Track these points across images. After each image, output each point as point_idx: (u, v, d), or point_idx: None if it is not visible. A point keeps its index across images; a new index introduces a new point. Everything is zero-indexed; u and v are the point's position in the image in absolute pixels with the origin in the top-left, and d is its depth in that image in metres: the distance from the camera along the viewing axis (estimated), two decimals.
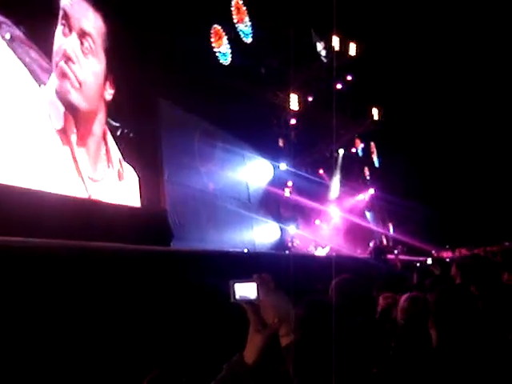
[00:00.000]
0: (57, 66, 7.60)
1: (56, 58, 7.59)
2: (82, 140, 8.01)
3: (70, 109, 7.78)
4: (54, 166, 7.27)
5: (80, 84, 8.00)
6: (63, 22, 7.76)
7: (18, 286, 3.75)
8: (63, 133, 7.57)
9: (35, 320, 3.80)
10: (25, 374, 3.59)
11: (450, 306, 2.30)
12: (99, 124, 8.61)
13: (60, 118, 7.52)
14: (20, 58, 6.86)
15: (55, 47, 7.58)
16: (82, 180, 7.87)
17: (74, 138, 7.75)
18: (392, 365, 2.16)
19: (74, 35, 7.96)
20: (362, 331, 2.22)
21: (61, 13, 7.74)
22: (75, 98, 7.92)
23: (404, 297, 3.37)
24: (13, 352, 3.55)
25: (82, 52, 8.12)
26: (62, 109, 7.58)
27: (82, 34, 8.12)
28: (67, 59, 7.74)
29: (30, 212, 6.16)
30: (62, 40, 7.74)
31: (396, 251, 15.97)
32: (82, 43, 8.10)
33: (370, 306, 3.01)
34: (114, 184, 8.78)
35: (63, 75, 7.70)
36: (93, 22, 8.45)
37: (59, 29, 7.69)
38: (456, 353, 2.10)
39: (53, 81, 7.50)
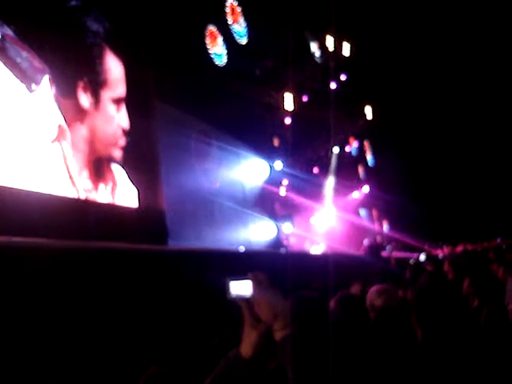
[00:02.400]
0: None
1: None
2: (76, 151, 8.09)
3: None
4: (47, 177, 7.29)
5: None
6: None
7: (15, 286, 3.80)
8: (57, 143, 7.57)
9: (33, 321, 3.85)
10: (23, 374, 3.64)
11: (429, 302, 2.33)
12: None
13: (54, 130, 7.53)
14: (11, 58, 6.86)
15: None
16: (77, 191, 7.89)
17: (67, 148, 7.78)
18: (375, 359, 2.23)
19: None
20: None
21: None
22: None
23: (372, 289, 3.39)
24: (10, 353, 3.60)
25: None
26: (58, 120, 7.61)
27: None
28: None
29: (27, 212, 6.20)
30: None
31: (388, 247, 16.06)
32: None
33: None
34: (111, 190, 8.83)
35: None
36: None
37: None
38: (440, 349, 2.16)
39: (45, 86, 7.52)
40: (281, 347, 1.54)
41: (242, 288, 1.57)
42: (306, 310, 1.89)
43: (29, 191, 6.78)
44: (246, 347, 1.59)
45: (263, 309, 1.57)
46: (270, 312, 1.56)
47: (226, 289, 1.57)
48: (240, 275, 1.58)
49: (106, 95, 8.60)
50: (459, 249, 17.32)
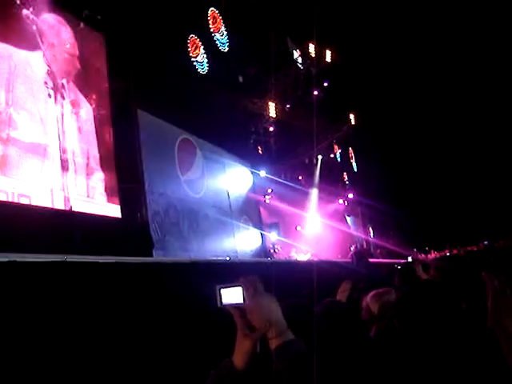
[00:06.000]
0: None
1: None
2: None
3: None
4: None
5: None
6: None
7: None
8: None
9: (17, 335, 3.75)
10: None
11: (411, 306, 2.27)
12: None
13: None
14: None
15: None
16: (65, 194, 7.84)
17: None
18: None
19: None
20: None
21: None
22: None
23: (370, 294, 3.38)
24: None
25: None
26: None
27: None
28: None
29: (9, 225, 6.08)
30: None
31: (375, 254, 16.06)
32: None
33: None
34: (96, 196, 8.75)
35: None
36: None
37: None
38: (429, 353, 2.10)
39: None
40: (276, 356, 1.47)
41: (233, 295, 1.49)
42: (298, 317, 1.82)
43: (13, 203, 6.68)
44: (239, 357, 1.49)
45: (256, 316, 1.47)
46: (263, 319, 1.46)
47: (216, 297, 1.49)
48: (231, 281, 1.51)
49: None
50: (445, 253, 17.41)
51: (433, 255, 18.78)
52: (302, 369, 1.41)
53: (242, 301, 1.48)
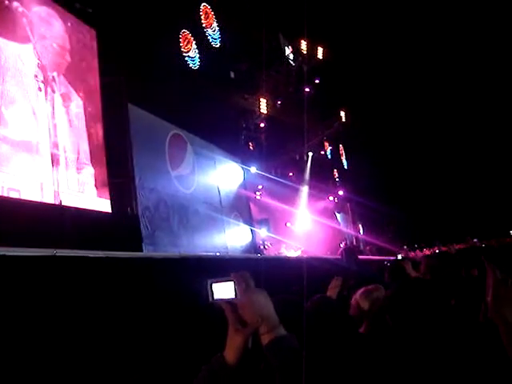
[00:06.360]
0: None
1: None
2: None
3: None
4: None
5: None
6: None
7: None
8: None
9: (5, 330, 3.72)
10: None
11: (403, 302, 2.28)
12: None
13: None
14: None
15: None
16: (55, 188, 7.80)
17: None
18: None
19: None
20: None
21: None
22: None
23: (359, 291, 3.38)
24: None
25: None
26: None
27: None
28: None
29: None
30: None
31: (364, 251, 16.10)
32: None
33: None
34: (87, 191, 8.71)
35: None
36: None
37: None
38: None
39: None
40: (268, 351, 1.46)
41: (224, 290, 1.47)
42: (288, 313, 1.82)
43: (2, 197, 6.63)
44: (231, 352, 1.47)
45: (248, 311, 1.46)
46: (255, 314, 1.45)
47: (207, 291, 1.47)
48: (222, 276, 1.49)
49: None
50: (435, 250, 17.49)
51: (419, 253, 18.86)
52: (294, 364, 1.41)
53: (233, 296, 1.46)
